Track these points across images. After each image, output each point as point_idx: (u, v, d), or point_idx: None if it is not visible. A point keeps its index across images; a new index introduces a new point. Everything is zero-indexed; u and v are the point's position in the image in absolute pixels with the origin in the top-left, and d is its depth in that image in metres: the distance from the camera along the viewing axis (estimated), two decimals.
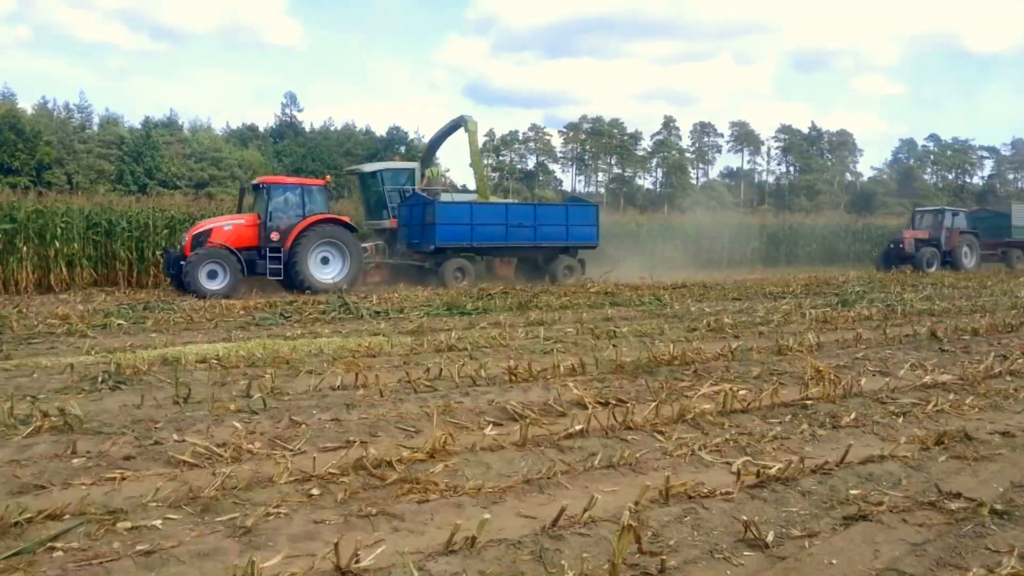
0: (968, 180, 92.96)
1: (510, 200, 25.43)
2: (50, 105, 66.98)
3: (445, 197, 22.60)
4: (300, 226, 18.37)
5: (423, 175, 23.80)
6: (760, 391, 6.46)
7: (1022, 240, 32.78)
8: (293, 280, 18.23)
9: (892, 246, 30.24)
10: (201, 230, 18.33)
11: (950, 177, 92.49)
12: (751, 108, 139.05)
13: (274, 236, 18.32)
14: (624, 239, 31.53)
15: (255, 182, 19.85)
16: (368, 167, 25.94)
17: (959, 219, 31.01)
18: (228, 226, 18.51)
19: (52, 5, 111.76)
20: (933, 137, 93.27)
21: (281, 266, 18.18)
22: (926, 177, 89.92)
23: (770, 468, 4.45)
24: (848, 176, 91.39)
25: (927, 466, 4.69)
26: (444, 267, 20.34)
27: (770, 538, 3.55)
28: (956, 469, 4.66)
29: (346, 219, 19.69)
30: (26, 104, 63.61)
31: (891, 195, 77.67)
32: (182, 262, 17.50)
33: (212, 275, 17.48)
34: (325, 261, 18.78)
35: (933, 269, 28.36)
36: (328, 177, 21.05)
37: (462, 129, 23.65)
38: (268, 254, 18.19)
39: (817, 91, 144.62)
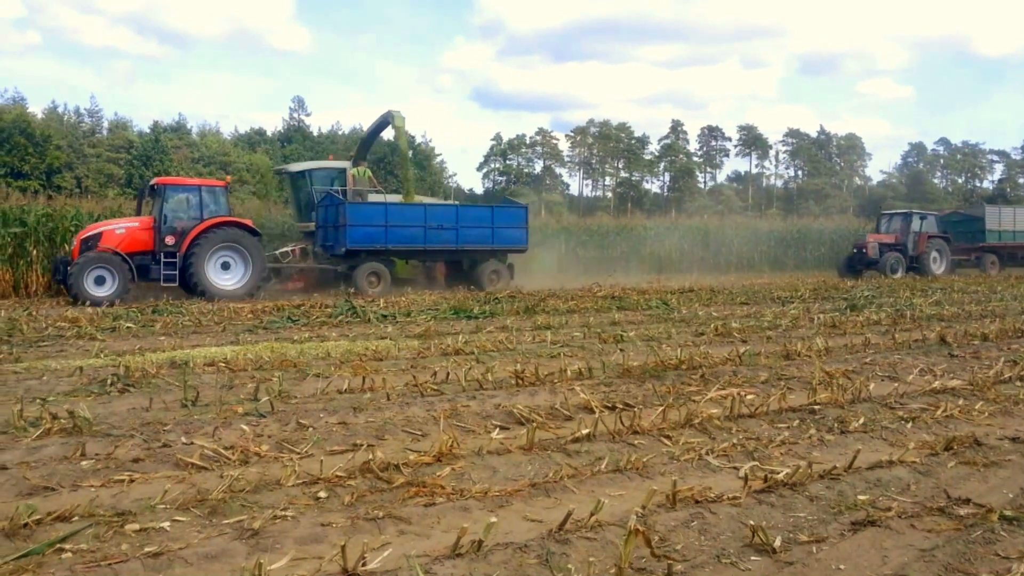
0: (978, 184, 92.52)
1: (434, 200, 23.55)
2: (60, 109, 67.33)
3: (376, 198, 21.77)
4: (197, 229, 17.43)
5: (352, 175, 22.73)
6: (768, 396, 6.44)
7: (996, 244, 31.39)
8: (190, 286, 17.47)
9: (855, 251, 28.72)
10: (90, 234, 17.35)
11: (960, 181, 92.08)
12: (759, 112, 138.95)
13: (169, 240, 17.36)
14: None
15: (151, 183, 18.77)
16: (295, 166, 25.04)
17: (928, 223, 29.43)
18: (120, 229, 17.52)
19: (61, 11, 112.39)
20: (943, 141, 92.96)
21: (176, 272, 17.30)
22: (936, 181, 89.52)
23: (778, 473, 4.43)
24: (857, 180, 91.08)
25: (936, 472, 4.67)
26: (357, 271, 19.48)
27: (777, 543, 3.54)
28: (965, 475, 4.64)
29: (248, 222, 18.72)
30: (36, 108, 64.03)
31: (900, 199, 77.26)
32: (68, 267, 16.58)
33: (100, 281, 16.46)
34: (226, 267, 17.86)
35: (898, 275, 26.94)
36: (228, 178, 20.06)
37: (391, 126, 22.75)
38: (163, 259, 17.25)
39: (825, 95, 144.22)
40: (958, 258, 30.68)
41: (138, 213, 19.41)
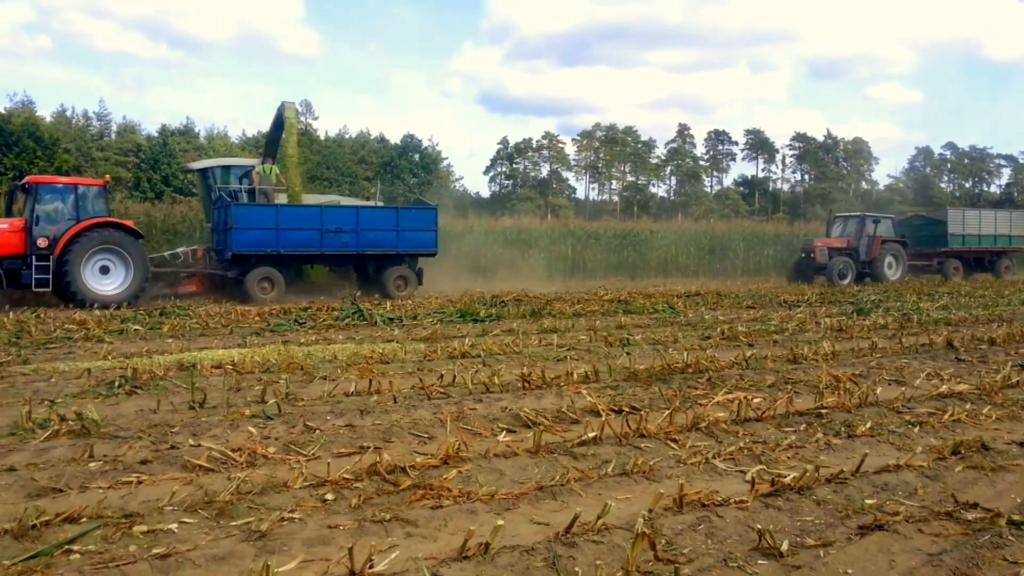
0: (985, 188, 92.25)
1: (334, 201, 22.11)
2: (68, 113, 67.62)
3: (283, 198, 20.77)
4: (72, 231, 16.48)
5: (257, 173, 21.28)
6: (775, 399, 6.43)
7: (960, 249, 29.87)
8: (65, 292, 16.45)
9: (803, 255, 27.31)
10: None
11: (967, 185, 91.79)
12: (766, 116, 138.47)
13: (41, 243, 16.33)
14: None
15: (23, 182, 17.56)
16: (198, 164, 23.85)
17: (883, 226, 27.75)
18: None
19: (72, 15, 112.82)
20: (950, 145, 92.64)
21: (49, 276, 16.27)
22: (943, 185, 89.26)
23: (785, 477, 4.43)
24: (864, 184, 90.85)
25: (943, 476, 4.66)
26: (248, 277, 18.57)
27: (785, 547, 3.54)
28: (973, 479, 4.63)
29: (129, 223, 17.82)
30: (45, 112, 64.27)
31: (907, 204, 77.10)
32: None
33: None
34: (105, 271, 16.90)
35: (846, 281, 25.63)
36: (107, 176, 18.95)
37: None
38: (35, 263, 16.18)
39: (834, 99, 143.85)
40: (919, 263, 29.62)
41: (7, 214, 18.16)
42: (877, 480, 4.53)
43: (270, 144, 22.77)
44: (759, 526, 3.69)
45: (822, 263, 26.17)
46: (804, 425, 5.79)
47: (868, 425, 5.74)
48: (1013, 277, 29.96)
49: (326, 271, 21.34)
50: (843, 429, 5.69)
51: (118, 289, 16.91)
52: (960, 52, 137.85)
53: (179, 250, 20.54)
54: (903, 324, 12.52)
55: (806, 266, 26.80)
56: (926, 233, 30.43)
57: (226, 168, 21.91)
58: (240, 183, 21.20)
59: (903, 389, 7.00)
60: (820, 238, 28.27)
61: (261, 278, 18.65)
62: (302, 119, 77.47)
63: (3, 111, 51.16)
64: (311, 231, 19.33)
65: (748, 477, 4.47)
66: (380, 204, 23.01)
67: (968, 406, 6.39)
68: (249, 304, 17.03)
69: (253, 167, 21.39)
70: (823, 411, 6.18)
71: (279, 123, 21.56)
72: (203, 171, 22.17)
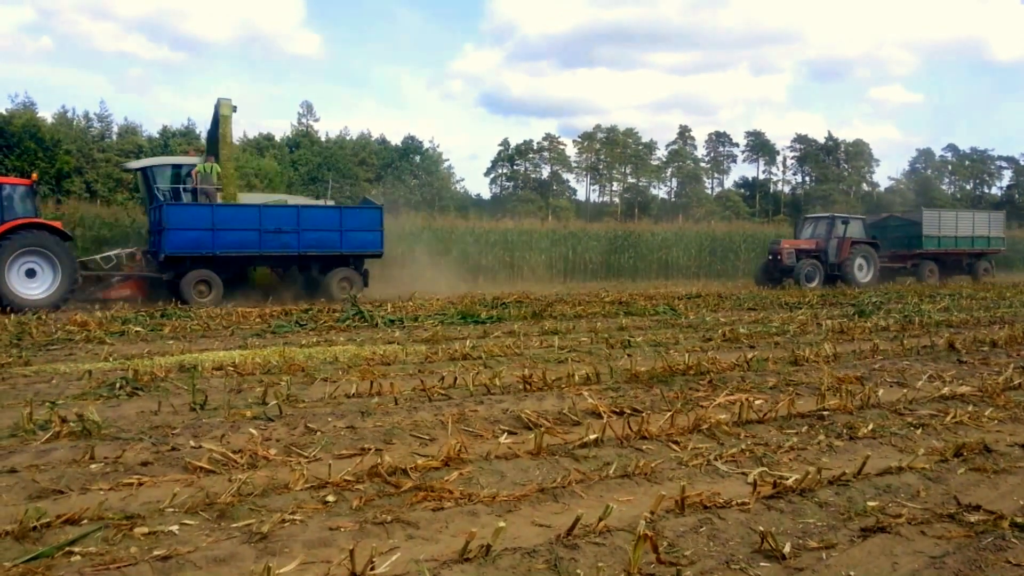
0: (987, 190, 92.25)
1: (280, 201, 21.23)
2: (70, 114, 67.65)
3: (239, 198, 20.29)
4: None
5: (202, 171, 20.36)
6: (776, 401, 6.42)
7: (935, 251, 29.03)
8: None
9: (770, 257, 26.34)
10: None
11: (968, 187, 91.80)
12: (768, 118, 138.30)
13: None
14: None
15: None
16: (137, 163, 23.05)
17: (853, 227, 26.76)
18: None
19: (74, 16, 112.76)
20: (951, 147, 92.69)
21: None
22: (944, 187, 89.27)
23: (787, 479, 4.42)
24: (865, 186, 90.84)
25: (946, 478, 4.65)
26: (183, 280, 17.99)
27: (787, 549, 3.53)
28: (975, 481, 4.62)
29: (57, 225, 17.21)
30: (46, 113, 64.31)
31: (908, 205, 77.14)
32: None
33: None
34: (31, 274, 16.29)
35: (813, 285, 24.72)
36: (35, 175, 18.26)
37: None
38: None
39: (835, 101, 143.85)
40: (894, 266, 28.77)
41: None
42: (879, 482, 4.52)
43: (211, 142, 21.98)
44: (761, 528, 3.68)
45: (789, 265, 25.31)
46: (806, 427, 5.79)
47: (870, 427, 5.73)
48: (991, 279, 29.19)
49: (271, 273, 20.71)
50: (845, 431, 5.68)
51: (44, 293, 16.35)
52: (962, 54, 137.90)
53: (113, 252, 19.78)
54: (905, 326, 12.51)
55: (773, 268, 25.91)
56: (901, 235, 29.75)
57: (167, 167, 21.06)
58: (182, 182, 20.50)
59: (905, 391, 7.00)
60: (787, 239, 27.54)
61: (197, 281, 18.04)
62: (304, 120, 77.65)
63: (4, 112, 51.22)
64: (249, 232, 18.70)
65: (750, 479, 4.46)
66: (331, 204, 22.20)
67: (970, 408, 6.38)
68: (247, 306, 17.03)
69: (195, 166, 20.63)
70: (825, 413, 6.17)
71: (216, 120, 20.93)
72: (143, 170, 21.38)
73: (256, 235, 18.76)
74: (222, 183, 20.23)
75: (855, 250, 26.09)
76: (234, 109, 20.18)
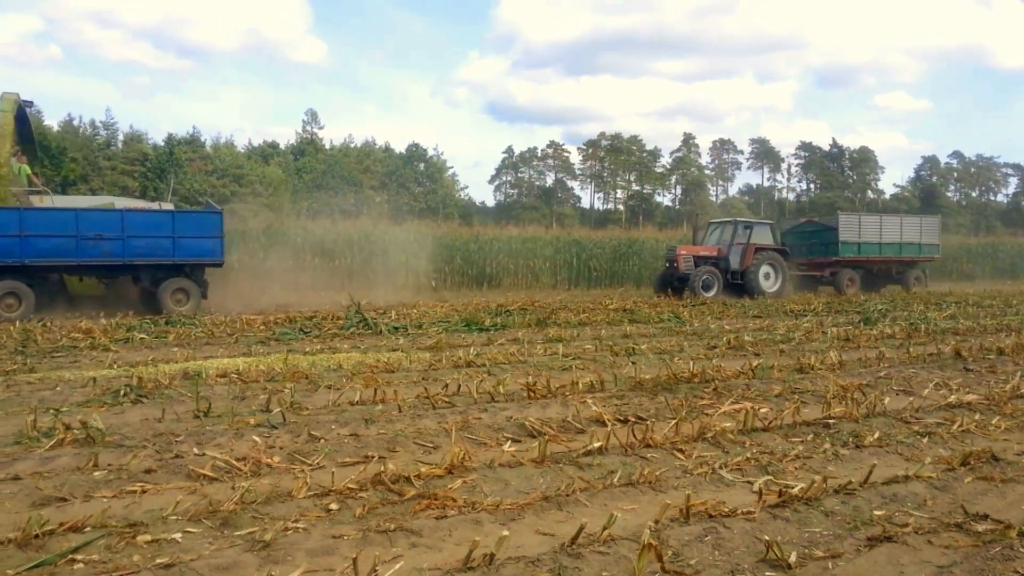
0: (992, 198, 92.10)
1: (108, 204, 19.03)
2: (76, 122, 67.95)
3: (46, 201, 18.14)
4: None
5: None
6: (781, 409, 6.40)
7: (855, 259, 26.58)
8: None
9: (667, 264, 24.17)
10: None
11: (974, 195, 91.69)
12: (773, 126, 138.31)
13: None
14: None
15: None
16: None
17: (758, 232, 24.47)
18: None
19: (81, 25, 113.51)
20: (956, 154, 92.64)
21: None
22: (949, 194, 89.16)
23: (792, 488, 4.39)
24: (870, 194, 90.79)
25: (953, 487, 4.62)
26: None
27: (793, 559, 3.50)
28: (982, 490, 4.59)
29: None
30: (52, 121, 64.61)
31: (913, 213, 77.03)
32: None
33: None
34: None
35: (712, 294, 22.57)
36: None
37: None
38: None
39: (841, 108, 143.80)
40: (810, 274, 26.65)
41: None
42: (886, 491, 4.50)
43: (22, 141, 19.82)
44: (767, 537, 3.66)
45: (686, 273, 23.09)
46: (811, 435, 5.76)
47: (876, 435, 5.70)
48: (925, 289, 27.10)
49: (99, 284, 18.92)
50: (851, 439, 5.66)
51: None
52: (967, 60, 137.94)
53: None
54: (910, 334, 12.47)
55: (670, 276, 23.77)
56: (818, 241, 27.34)
57: None
58: None
59: (911, 399, 6.96)
60: (685, 245, 25.27)
61: (4, 293, 16.14)
62: (308, 128, 77.80)
63: None
64: (65, 238, 16.74)
65: (755, 488, 4.44)
66: (169, 208, 19.85)
67: (977, 416, 6.34)
68: (253, 312, 17.04)
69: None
70: (830, 421, 6.15)
71: (20, 118, 19.07)
72: None
73: (73, 242, 16.82)
74: (34, 185, 18.56)
75: (760, 257, 23.74)
76: (28, 104, 18.71)
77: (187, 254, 17.91)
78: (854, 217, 27.77)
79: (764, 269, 23.63)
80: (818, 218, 30.32)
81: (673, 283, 23.33)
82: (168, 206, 19.90)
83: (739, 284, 23.35)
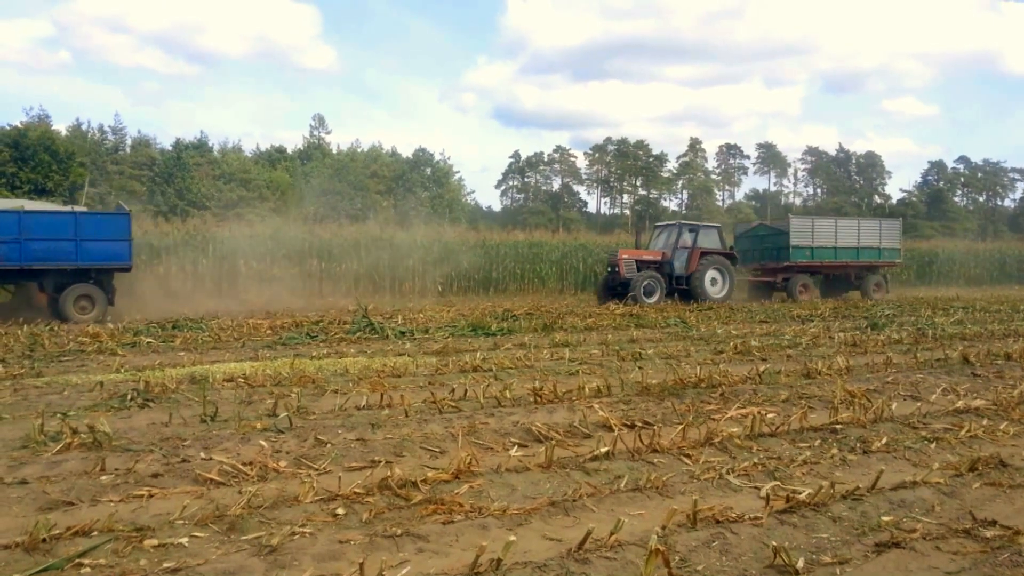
0: (999, 203, 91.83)
1: (17, 206, 18.03)
2: (84, 127, 68.22)
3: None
4: None
5: None
6: (789, 415, 6.38)
7: (808, 264, 25.32)
8: None
9: (609, 269, 23.10)
10: None
11: (981, 200, 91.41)
12: (781, 130, 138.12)
13: None
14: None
15: None
16: None
17: (705, 236, 23.50)
18: None
19: (91, 30, 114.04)
20: (963, 159, 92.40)
21: None
22: (956, 200, 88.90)
23: (800, 493, 4.38)
24: (877, 198, 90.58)
25: (961, 493, 4.60)
26: None
27: (800, 564, 3.49)
28: (991, 496, 4.57)
29: None
30: (61, 126, 64.89)
31: (921, 218, 76.82)
32: None
33: None
34: None
35: (654, 300, 21.59)
36: None
37: None
38: None
39: (849, 113, 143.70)
40: (763, 280, 25.60)
41: None
42: (893, 497, 4.48)
43: None
44: (774, 543, 3.65)
45: (627, 278, 22.01)
46: (819, 441, 5.74)
47: (884, 441, 5.68)
48: (887, 296, 25.68)
49: (2, 291, 18.45)
50: (858, 445, 5.64)
51: None
52: (976, 66, 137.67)
53: None
54: (918, 339, 12.43)
55: (612, 282, 22.67)
56: (770, 245, 26.10)
57: None
58: None
59: (919, 404, 6.93)
60: (628, 249, 24.22)
61: None
62: (316, 133, 78.00)
63: (20, 125, 51.73)
64: None
65: (762, 493, 4.42)
66: (83, 210, 18.85)
67: (985, 422, 6.31)
68: (261, 317, 17.08)
69: None
70: (838, 426, 6.12)
71: None
72: None
73: None
74: None
75: (707, 261, 22.79)
76: None
77: (92, 258, 16.98)
78: (807, 220, 26.59)
79: (711, 274, 22.77)
80: (770, 222, 29.50)
81: (616, 289, 22.27)
82: (81, 208, 18.81)
83: (684, 290, 22.56)
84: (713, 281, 22.79)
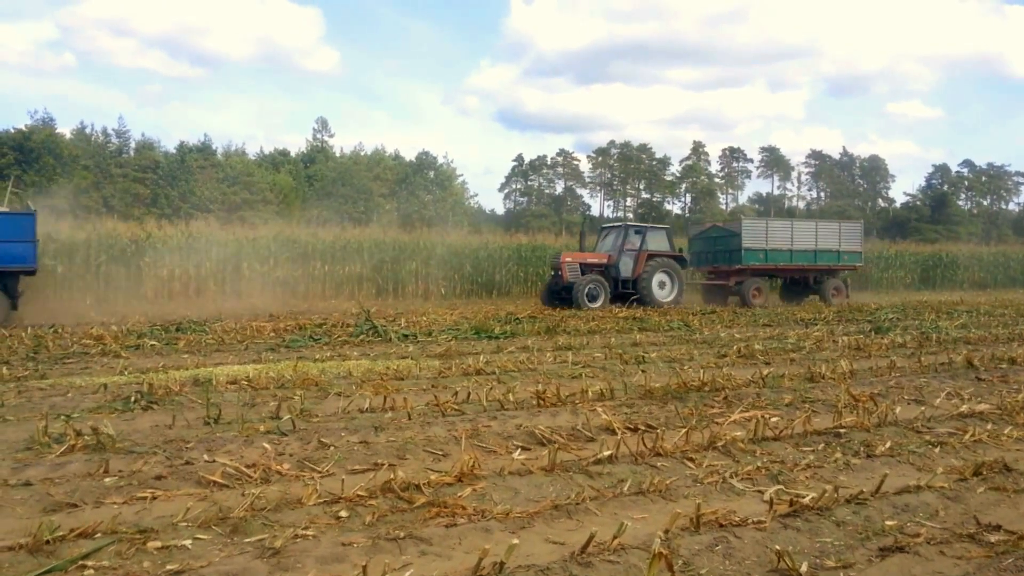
0: (1003, 206, 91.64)
1: None
2: (88, 130, 68.40)
3: None
4: None
5: None
6: (792, 418, 6.36)
7: (759, 267, 24.39)
8: None
9: (553, 273, 22.43)
10: None
11: (985, 203, 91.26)
12: (785, 134, 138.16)
13: None
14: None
15: None
16: None
17: (652, 238, 22.84)
18: None
19: (95, 33, 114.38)
20: (967, 162, 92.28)
21: None
22: (960, 203, 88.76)
23: (803, 497, 4.37)
24: (880, 202, 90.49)
25: (965, 497, 4.58)
26: None
27: (804, 569, 3.48)
28: (995, 501, 4.55)
29: None
30: (65, 129, 65.07)
31: (924, 221, 76.71)
32: None
33: None
34: None
35: (597, 305, 20.91)
36: None
37: None
38: None
39: (853, 116, 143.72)
40: (716, 283, 24.97)
41: None
42: (897, 501, 4.47)
43: None
44: (777, 547, 3.64)
45: (571, 282, 21.34)
46: (822, 444, 5.73)
47: (887, 445, 5.67)
48: (846, 301, 24.88)
49: None
50: (862, 449, 5.63)
51: None
52: (980, 69, 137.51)
53: None
54: (922, 343, 12.41)
55: (556, 286, 22.06)
56: (722, 248, 25.25)
57: None
58: None
59: (923, 408, 6.92)
60: (572, 252, 23.60)
61: None
62: (319, 136, 78.08)
63: (24, 128, 51.87)
64: None
65: (766, 497, 4.41)
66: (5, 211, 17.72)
67: (989, 426, 6.29)
68: (264, 320, 17.09)
69: None
70: (842, 430, 6.11)
71: None
72: None
73: None
74: None
75: (654, 264, 22.18)
76: None
77: None
78: (760, 222, 25.87)
79: (659, 277, 22.22)
80: (722, 224, 28.52)
81: (560, 293, 21.65)
82: (4, 209, 17.79)
83: (630, 293, 21.85)
84: (661, 284, 22.29)
